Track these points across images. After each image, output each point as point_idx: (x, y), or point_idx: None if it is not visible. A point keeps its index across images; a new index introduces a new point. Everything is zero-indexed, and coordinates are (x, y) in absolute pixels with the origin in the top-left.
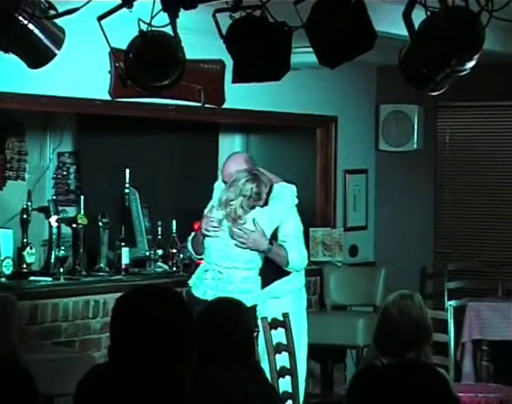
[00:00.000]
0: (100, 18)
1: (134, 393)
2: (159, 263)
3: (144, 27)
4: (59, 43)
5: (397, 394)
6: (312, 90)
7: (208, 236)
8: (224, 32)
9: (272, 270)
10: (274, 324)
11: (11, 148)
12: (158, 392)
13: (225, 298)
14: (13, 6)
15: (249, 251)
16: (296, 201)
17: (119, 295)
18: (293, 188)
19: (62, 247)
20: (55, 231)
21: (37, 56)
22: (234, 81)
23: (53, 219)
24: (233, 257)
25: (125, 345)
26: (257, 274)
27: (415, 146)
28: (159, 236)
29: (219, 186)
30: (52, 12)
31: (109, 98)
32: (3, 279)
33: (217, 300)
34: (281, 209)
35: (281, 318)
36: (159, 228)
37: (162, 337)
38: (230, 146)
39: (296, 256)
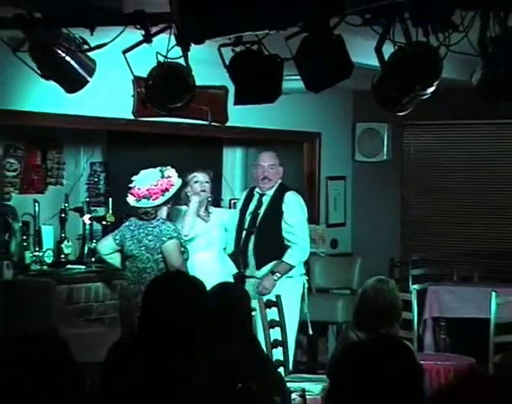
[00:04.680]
0: (125, 51)
1: (150, 360)
2: None
3: (161, 58)
4: (91, 72)
5: (373, 363)
6: (300, 111)
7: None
8: (227, 63)
9: (267, 252)
10: (269, 304)
11: (51, 159)
12: (172, 362)
13: (226, 282)
14: (53, 41)
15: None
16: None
17: None
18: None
19: (94, 241)
20: (88, 227)
21: (73, 83)
22: (236, 103)
23: (86, 217)
24: None
25: (149, 318)
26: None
27: (385, 157)
28: None
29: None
30: (85, 46)
31: (132, 117)
32: (45, 267)
33: (220, 284)
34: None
35: (274, 299)
36: None
37: (178, 316)
38: (232, 157)
39: (289, 255)
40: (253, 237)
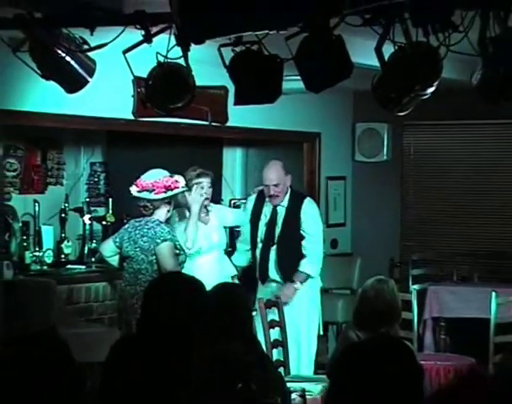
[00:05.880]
0: (125, 51)
1: (148, 361)
2: None
3: (161, 59)
4: (91, 72)
5: (373, 363)
6: (300, 111)
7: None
8: (227, 63)
9: (293, 265)
10: (269, 304)
11: (51, 159)
12: (169, 362)
13: (227, 283)
14: (53, 41)
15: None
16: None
17: None
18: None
19: (94, 241)
20: (88, 227)
21: (73, 83)
22: (236, 103)
23: (86, 217)
24: None
25: (147, 319)
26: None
27: (385, 157)
28: None
29: (251, 199)
30: (85, 46)
31: (132, 117)
32: (45, 267)
33: (220, 284)
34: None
35: (275, 299)
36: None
37: (174, 317)
38: (232, 157)
39: (307, 265)
40: (273, 250)
